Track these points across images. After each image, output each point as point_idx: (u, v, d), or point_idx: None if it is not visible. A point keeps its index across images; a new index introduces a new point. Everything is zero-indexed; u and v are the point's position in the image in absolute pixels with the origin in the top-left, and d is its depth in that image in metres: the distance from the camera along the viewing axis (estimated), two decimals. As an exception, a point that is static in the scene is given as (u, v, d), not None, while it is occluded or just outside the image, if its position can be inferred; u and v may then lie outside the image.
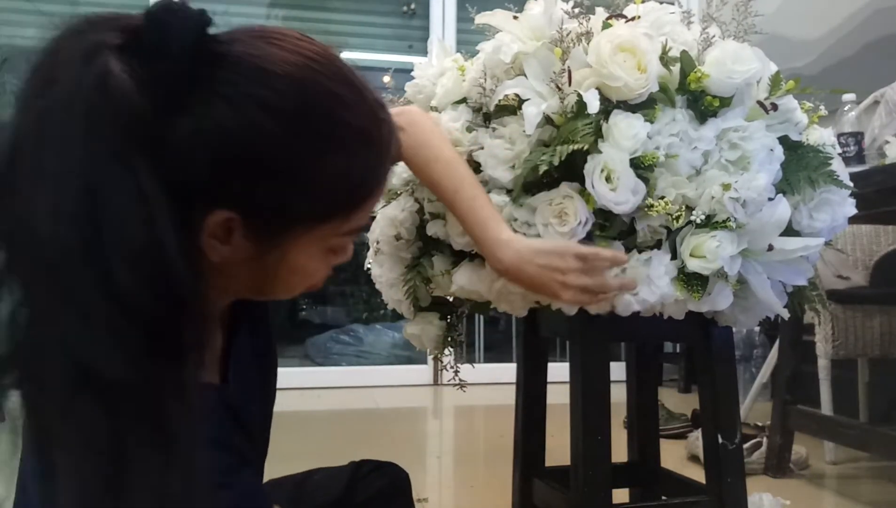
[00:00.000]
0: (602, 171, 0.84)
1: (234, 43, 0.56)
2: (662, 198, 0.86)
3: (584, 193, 0.86)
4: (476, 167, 0.95)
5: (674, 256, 0.89)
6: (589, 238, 0.88)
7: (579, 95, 0.85)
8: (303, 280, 0.64)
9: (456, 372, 1.11)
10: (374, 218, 1.12)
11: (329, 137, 0.57)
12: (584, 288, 0.86)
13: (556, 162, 0.84)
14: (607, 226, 0.88)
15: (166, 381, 0.48)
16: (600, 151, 0.85)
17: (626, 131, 0.84)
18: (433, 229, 0.99)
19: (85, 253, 0.46)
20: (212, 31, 0.55)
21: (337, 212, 0.60)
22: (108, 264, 0.46)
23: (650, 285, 0.87)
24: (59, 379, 0.46)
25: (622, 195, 0.84)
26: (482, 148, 0.94)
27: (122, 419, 0.47)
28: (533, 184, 0.90)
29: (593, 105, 0.84)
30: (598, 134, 0.85)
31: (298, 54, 0.57)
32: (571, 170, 0.87)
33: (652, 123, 0.86)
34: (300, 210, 0.58)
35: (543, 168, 0.85)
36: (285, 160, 0.56)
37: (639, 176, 0.85)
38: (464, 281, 0.97)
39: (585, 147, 0.84)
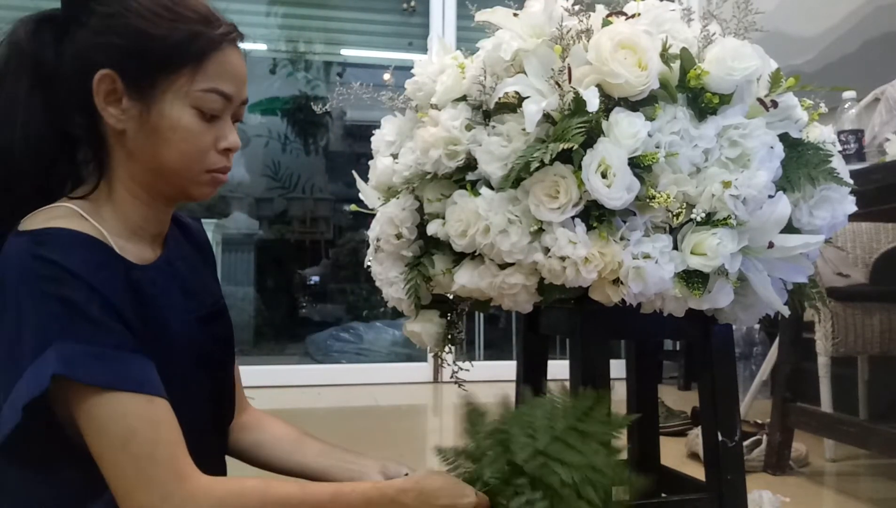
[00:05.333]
0: (599, 165, 0.84)
1: None
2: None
3: (578, 175, 0.86)
4: (473, 163, 0.95)
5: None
6: (583, 219, 0.87)
7: (577, 93, 0.85)
8: (189, 143, 0.80)
9: (456, 373, 1.11)
10: (374, 217, 1.12)
11: (178, 9, 0.80)
12: None
13: (546, 160, 0.84)
14: (601, 215, 0.88)
15: None
16: (593, 149, 0.85)
17: (628, 130, 0.84)
18: (433, 228, 0.99)
19: None
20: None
21: (186, 62, 0.79)
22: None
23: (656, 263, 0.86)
24: None
25: (616, 192, 0.84)
26: (480, 145, 0.94)
27: None
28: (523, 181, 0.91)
29: (593, 103, 0.84)
30: (591, 133, 0.85)
31: None
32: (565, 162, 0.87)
33: (653, 120, 0.86)
34: (160, 60, 0.78)
35: (535, 165, 0.85)
36: (144, 23, 0.78)
37: (636, 175, 0.85)
38: (465, 280, 0.97)
39: (575, 147, 0.84)
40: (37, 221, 0.75)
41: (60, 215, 0.76)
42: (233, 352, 0.97)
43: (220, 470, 0.93)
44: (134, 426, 0.69)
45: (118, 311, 0.73)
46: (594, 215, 0.87)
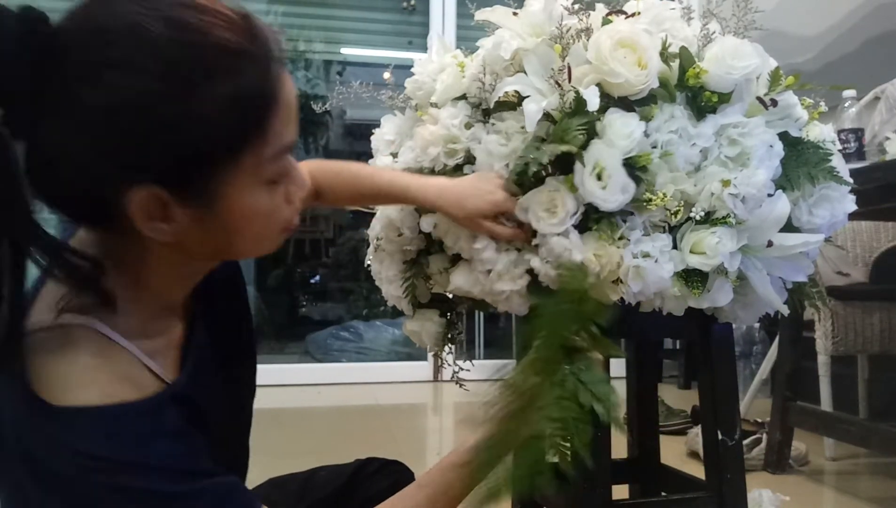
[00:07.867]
0: (594, 168, 0.84)
1: (66, 20, 0.54)
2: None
3: (569, 183, 0.86)
4: (472, 161, 0.95)
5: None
6: (581, 230, 0.87)
7: (577, 92, 0.85)
8: (266, 224, 0.63)
9: (456, 373, 1.11)
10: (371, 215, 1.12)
11: (199, 68, 0.54)
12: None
13: (544, 161, 0.84)
14: (600, 219, 0.87)
15: None
16: (586, 152, 0.84)
17: (622, 130, 0.84)
18: (427, 225, 0.99)
19: None
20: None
21: (248, 136, 0.57)
22: None
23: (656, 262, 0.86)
24: None
25: (612, 194, 0.84)
26: (479, 143, 0.94)
27: None
28: (525, 181, 0.90)
29: (593, 102, 0.84)
30: (591, 135, 0.85)
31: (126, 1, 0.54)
32: (564, 166, 0.87)
33: (649, 120, 0.86)
34: (211, 149, 0.56)
35: (533, 168, 0.85)
36: (168, 109, 0.53)
37: (633, 176, 0.85)
38: (461, 281, 0.96)
39: (575, 150, 0.83)
40: (55, 380, 0.56)
41: (84, 367, 0.57)
42: (254, 382, 0.88)
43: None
44: None
45: (182, 466, 0.59)
46: (593, 218, 0.87)
